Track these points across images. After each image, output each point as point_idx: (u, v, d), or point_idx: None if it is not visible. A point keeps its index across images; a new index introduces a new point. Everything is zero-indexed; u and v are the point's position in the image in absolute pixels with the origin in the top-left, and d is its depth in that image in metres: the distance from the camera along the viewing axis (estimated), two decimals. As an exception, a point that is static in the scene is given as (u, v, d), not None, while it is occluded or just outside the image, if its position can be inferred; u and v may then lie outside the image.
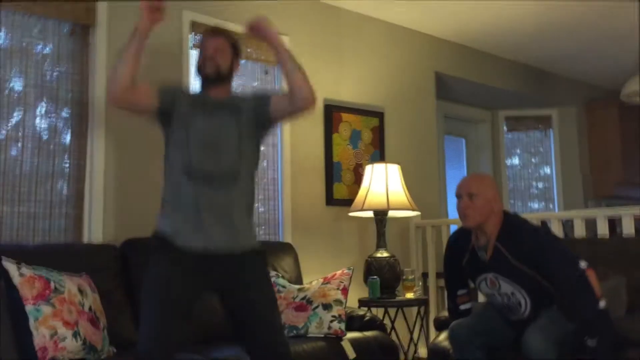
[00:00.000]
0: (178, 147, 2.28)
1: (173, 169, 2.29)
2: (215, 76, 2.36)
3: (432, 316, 4.32)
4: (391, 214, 4.10)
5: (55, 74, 3.19)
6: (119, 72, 2.19)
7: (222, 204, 2.25)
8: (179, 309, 2.19)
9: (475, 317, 2.71)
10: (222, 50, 2.39)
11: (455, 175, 5.46)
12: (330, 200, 4.28)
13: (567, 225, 4.80)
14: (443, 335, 3.29)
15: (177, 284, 2.19)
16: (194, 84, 2.42)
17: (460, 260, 2.77)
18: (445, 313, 3.39)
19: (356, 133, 4.47)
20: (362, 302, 3.88)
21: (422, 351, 4.11)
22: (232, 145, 2.31)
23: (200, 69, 2.39)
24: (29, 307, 2.35)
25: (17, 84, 3.08)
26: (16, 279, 2.39)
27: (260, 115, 2.37)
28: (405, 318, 4.10)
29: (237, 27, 3.73)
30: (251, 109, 2.37)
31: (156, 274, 2.22)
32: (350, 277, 3.38)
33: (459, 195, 2.67)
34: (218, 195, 2.25)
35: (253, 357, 2.29)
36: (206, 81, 2.39)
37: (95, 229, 3.19)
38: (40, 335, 2.32)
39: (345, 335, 3.12)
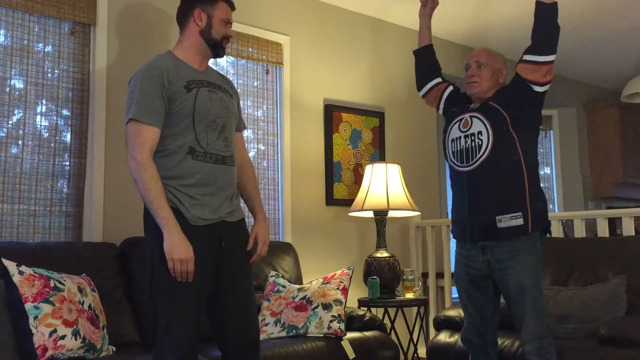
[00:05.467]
0: (186, 127, 2.23)
1: (182, 147, 2.22)
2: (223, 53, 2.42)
3: (431, 316, 4.32)
4: (391, 214, 4.10)
5: (55, 72, 3.19)
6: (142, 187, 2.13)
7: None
8: (206, 294, 2.20)
9: (470, 314, 2.66)
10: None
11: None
12: (330, 200, 4.28)
13: (567, 225, 4.81)
14: (442, 335, 3.29)
15: (208, 268, 2.19)
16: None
17: (454, 101, 2.83)
18: (445, 313, 3.39)
19: (356, 133, 4.47)
20: (361, 302, 3.88)
21: (422, 351, 4.11)
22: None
23: (214, 41, 2.34)
24: (28, 306, 2.34)
25: (18, 83, 3.08)
26: (16, 277, 2.39)
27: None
28: (405, 318, 4.09)
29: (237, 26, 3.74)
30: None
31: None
32: (350, 277, 3.38)
33: (468, 65, 2.71)
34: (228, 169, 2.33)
35: (223, 336, 2.27)
36: (215, 54, 2.39)
37: (96, 228, 3.19)
38: (39, 334, 2.31)
39: (345, 335, 3.12)
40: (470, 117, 2.61)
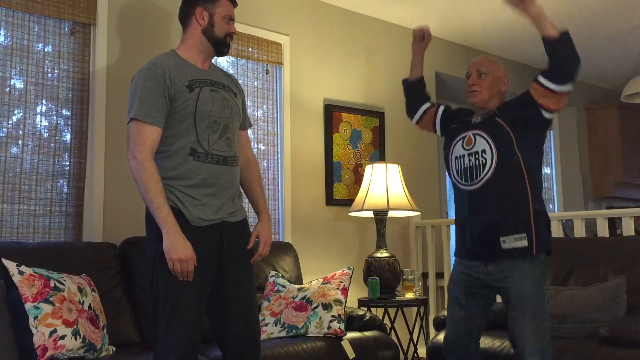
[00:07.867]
0: (188, 127, 2.22)
1: (183, 148, 2.21)
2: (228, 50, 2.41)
3: (431, 316, 4.33)
4: (391, 214, 4.10)
5: (55, 72, 3.19)
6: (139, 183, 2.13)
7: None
8: (206, 294, 2.20)
9: (456, 323, 2.61)
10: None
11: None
12: (330, 200, 4.28)
13: (567, 225, 4.81)
14: (442, 335, 3.29)
15: (209, 268, 2.18)
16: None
17: (450, 118, 2.81)
18: (445, 313, 3.39)
19: (356, 133, 4.47)
20: (361, 302, 3.88)
21: (422, 351, 4.11)
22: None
23: (217, 39, 2.34)
24: (28, 306, 2.34)
25: (18, 83, 3.08)
26: (16, 277, 2.39)
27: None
28: (405, 318, 4.10)
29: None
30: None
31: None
32: (350, 277, 3.39)
33: (468, 74, 2.68)
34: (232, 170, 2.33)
35: (224, 336, 2.27)
36: (218, 52, 2.38)
37: (96, 228, 3.19)
38: (39, 334, 2.32)
39: (345, 335, 3.12)
40: (474, 134, 2.57)
